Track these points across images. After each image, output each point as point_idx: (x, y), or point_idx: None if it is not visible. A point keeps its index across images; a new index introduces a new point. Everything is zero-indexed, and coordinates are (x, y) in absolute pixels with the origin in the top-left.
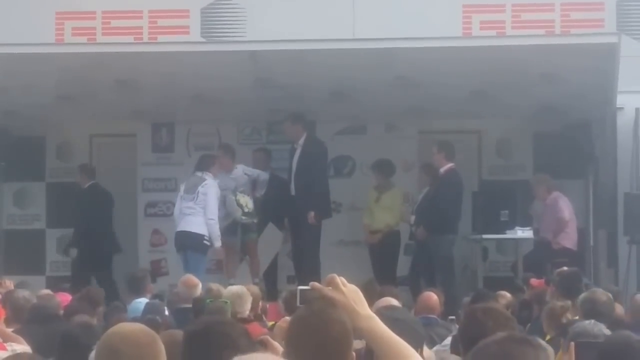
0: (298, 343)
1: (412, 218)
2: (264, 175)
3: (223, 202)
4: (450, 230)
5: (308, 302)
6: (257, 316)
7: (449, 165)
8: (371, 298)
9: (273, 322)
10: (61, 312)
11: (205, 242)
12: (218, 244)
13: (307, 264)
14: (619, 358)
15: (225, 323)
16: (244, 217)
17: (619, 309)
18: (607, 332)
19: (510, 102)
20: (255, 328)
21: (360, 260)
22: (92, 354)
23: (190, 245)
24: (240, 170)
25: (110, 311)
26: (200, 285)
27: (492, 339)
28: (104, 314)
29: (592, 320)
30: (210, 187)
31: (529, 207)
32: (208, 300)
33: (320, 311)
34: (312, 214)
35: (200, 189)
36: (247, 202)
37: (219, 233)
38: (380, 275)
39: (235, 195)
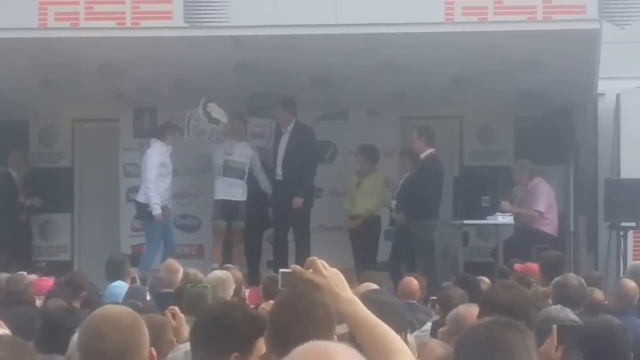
0: (281, 325)
1: (393, 203)
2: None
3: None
4: (431, 215)
5: (290, 285)
6: (241, 300)
7: (430, 150)
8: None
9: (254, 306)
10: (34, 295)
11: (148, 209)
12: (155, 211)
13: (302, 250)
14: (600, 341)
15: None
16: (213, 125)
17: (599, 294)
18: (574, 317)
19: (491, 88)
20: None
21: (341, 246)
22: (74, 337)
23: (138, 214)
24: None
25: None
26: (181, 270)
27: (479, 323)
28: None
29: (559, 306)
30: (149, 155)
31: (510, 191)
32: (188, 285)
33: (303, 294)
34: (300, 200)
35: (143, 157)
36: (215, 109)
37: (155, 200)
38: (360, 261)
39: (206, 107)
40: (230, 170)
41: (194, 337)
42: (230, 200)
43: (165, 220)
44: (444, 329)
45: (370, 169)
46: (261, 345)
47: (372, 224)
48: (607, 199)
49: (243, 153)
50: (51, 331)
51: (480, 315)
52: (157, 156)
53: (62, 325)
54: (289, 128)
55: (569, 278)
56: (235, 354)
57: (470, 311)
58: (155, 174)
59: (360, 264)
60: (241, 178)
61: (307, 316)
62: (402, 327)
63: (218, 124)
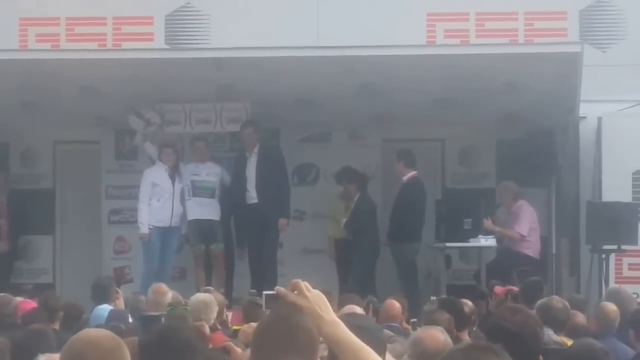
0: (264, 349)
1: (343, 222)
2: (227, 180)
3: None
4: (414, 238)
5: (273, 307)
6: (223, 323)
7: (412, 173)
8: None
9: (237, 327)
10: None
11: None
12: (139, 230)
13: (270, 270)
14: None
15: (179, 328)
16: (149, 127)
17: (581, 318)
18: (556, 338)
19: (473, 110)
20: (220, 336)
21: (324, 269)
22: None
23: None
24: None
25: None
26: (169, 294)
27: (456, 347)
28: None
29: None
30: (142, 175)
31: (493, 213)
32: (168, 308)
33: (287, 317)
34: (285, 221)
35: None
36: (151, 115)
37: (140, 220)
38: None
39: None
40: (199, 190)
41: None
42: (205, 220)
43: (161, 241)
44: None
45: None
46: None
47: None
48: (588, 221)
49: (211, 172)
50: (18, 355)
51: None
52: (149, 175)
53: (28, 349)
54: (255, 150)
55: (554, 301)
56: None
57: (429, 334)
58: (146, 193)
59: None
60: (212, 197)
61: (289, 340)
62: (380, 350)
63: (150, 125)
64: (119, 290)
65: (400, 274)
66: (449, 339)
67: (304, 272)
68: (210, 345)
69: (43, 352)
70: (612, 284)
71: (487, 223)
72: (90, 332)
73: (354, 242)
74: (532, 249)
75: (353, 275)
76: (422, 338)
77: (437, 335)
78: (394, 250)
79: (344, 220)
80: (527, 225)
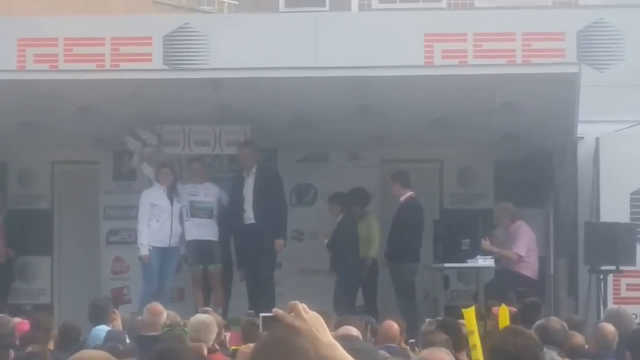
0: None
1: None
2: (225, 200)
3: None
4: (412, 258)
5: (270, 329)
6: (221, 344)
7: (409, 193)
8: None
9: (235, 348)
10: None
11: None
12: (140, 252)
13: (267, 291)
14: None
15: (178, 350)
16: (146, 148)
17: (579, 339)
18: (559, 359)
19: (471, 131)
20: (220, 357)
21: (323, 289)
22: None
23: None
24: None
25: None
26: (165, 314)
27: None
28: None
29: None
30: (140, 196)
31: (491, 233)
32: (165, 329)
33: (284, 338)
34: (282, 242)
35: None
36: (147, 136)
37: (140, 241)
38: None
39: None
40: (197, 211)
41: None
42: (203, 240)
43: (160, 261)
44: None
45: (362, 212)
46: None
47: (370, 267)
48: (587, 242)
49: (209, 192)
50: None
51: None
52: (147, 196)
53: None
54: (253, 170)
55: (552, 321)
56: None
57: (434, 355)
58: (145, 214)
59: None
60: (210, 217)
61: None
62: None
63: (146, 146)
64: (116, 310)
65: (398, 295)
66: None
67: (301, 292)
68: None
69: None
70: (611, 305)
71: (485, 244)
72: (86, 353)
73: (335, 263)
74: (529, 269)
75: (333, 297)
76: (427, 359)
77: (442, 357)
78: (392, 270)
79: (326, 241)
80: (524, 246)
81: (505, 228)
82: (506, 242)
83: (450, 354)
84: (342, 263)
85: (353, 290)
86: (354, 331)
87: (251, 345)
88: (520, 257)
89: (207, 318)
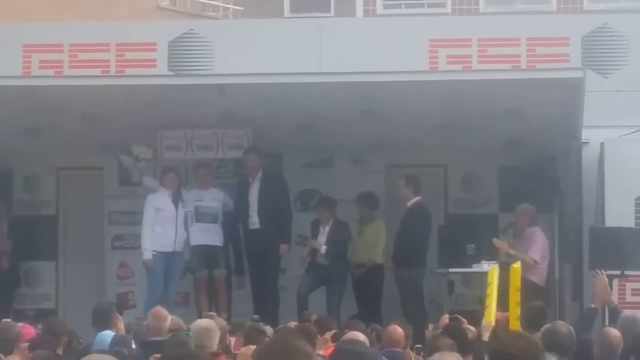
0: None
1: (324, 248)
2: (230, 205)
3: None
4: (419, 263)
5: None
6: (225, 349)
7: (417, 198)
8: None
9: (236, 352)
10: (24, 343)
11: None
12: (144, 257)
13: (272, 295)
14: None
15: (187, 355)
16: (139, 163)
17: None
18: None
19: (476, 136)
20: None
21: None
22: None
23: None
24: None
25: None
26: (169, 318)
27: None
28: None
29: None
30: (146, 201)
31: (502, 232)
32: (170, 334)
33: (282, 339)
34: (286, 246)
35: None
36: (141, 150)
37: (144, 245)
38: (364, 310)
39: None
40: (202, 216)
41: None
42: (208, 245)
43: (164, 266)
44: None
45: (371, 217)
46: None
47: (375, 272)
48: (591, 246)
49: (214, 198)
50: None
51: None
52: (152, 201)
53: None
54: (259, 175)
55: (558, 326)
56: None
57: (445, 359)
58: (149, 219)
59: (364, 313)
60: (215, 222)
61: None
62: None
63: (140, 161)
64: (119, 316)
65: (405, 300)
66: None
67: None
68: None
69: None
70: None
71: (501, 243)
72: (93, 358)
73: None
74: (539, 276)
75: (328, 306)
76: None
77: None
78: (398, 275)
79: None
80: (539, 252)
81: (521, 231)
82: (518, 245)
83: (460, 358)
84: (333, 271)
85: (341, 295)
86: (360, 336)
87: (252, 347)
88: (535, 262)
89: (209, 323)
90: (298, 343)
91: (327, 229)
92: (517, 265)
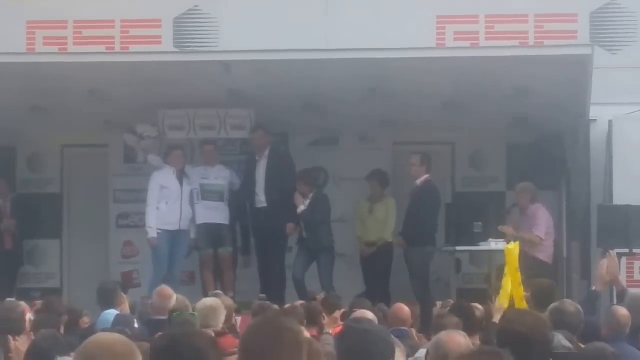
0: (251, 352)
1: None
2: (237, 184)
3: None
4: (429, 242)
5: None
6: (231, 328)
7: (425, 176)
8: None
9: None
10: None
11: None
12: (149, 235)
13: (278, 274)
14: None
15: (191, 335)
16: (142, 142)
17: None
18: (567, 343)
19: (483, 114)
20: (229, 340)
21: (334, 272)
22: None
23: None
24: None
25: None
26: (174, 297)
27: (463, 354)
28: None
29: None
30: (150, 178)
31: (504, 216)
32: (175, 314)
33: (272, 320)
34: (293, 225)
35: None
36: (145, 129)
37: (148, 224)
38: (373, 288)
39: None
40: (208, 194)
41: None
42: (213, 224)
43: (170, 244)
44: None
45: (382, 195)
46: None
47: (384, 250)
48: (600, 225)
49: (220, 175)
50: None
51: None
52: (157, 178)
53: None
54: (266, 153)
55: (566, 304)
56: None
57: (452, 337)
58: (154, 197)
59: (373, 294)
60: (221, 200)
61: (275, 341)
62: (389, 353)
63: (144, 139)
64: (124, 295)
65: (413, 279)
66: (470, 344)
67: (312, 276)
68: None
69: (59, 354)
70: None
71: (507, 229)
72: (103, 337)
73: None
74: (545, 253)
75: (321, 281)
76: (444, 342)
77: (459, 340)
78: (408, 253)
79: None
80: (544, 229)
81: (524, 209)
82: (523, 224)
83: (467, 337)
84: (317, 246)
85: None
86: (369, 315)
87: None
88: (540, 240)
89: (214, 302)
90: (287, 323)
91: (307, 202)
92: (511, 246)
